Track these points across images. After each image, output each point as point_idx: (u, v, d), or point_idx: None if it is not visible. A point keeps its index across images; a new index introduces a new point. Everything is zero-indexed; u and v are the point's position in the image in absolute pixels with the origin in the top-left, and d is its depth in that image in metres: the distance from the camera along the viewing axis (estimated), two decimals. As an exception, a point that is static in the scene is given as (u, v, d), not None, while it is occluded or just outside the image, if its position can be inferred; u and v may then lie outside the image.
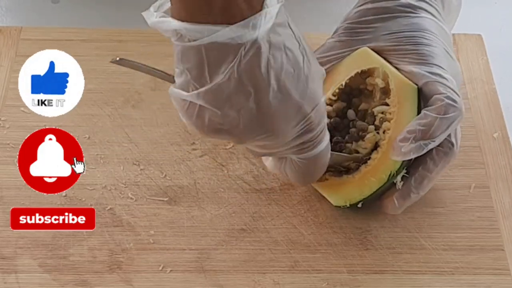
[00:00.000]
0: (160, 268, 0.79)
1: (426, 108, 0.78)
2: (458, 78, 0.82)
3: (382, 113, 0.81)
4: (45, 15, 1.03)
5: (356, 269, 0.80)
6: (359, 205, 0.81)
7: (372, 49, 0.82)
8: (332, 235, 0.82)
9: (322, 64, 0.81)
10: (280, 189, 0.85)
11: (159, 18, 0.70)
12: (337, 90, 0.83)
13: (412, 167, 0.80)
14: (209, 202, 0.84)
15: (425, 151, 0.78)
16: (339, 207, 0.82)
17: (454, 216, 0.84)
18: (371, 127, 0.82)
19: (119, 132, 0.89)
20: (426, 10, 0.83)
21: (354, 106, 0.83)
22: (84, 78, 0.93)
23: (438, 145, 0.79)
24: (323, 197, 0.84)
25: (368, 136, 0.81)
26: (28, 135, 0.88)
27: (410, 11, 0.83)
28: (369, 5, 0.84)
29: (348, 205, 0.81)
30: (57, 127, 0.89)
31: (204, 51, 0.69)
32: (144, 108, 0.91)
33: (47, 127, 0.89)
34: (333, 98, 0.83)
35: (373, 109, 0.82)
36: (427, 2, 0.83)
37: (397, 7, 0.83)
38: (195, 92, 0.71)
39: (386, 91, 0.82)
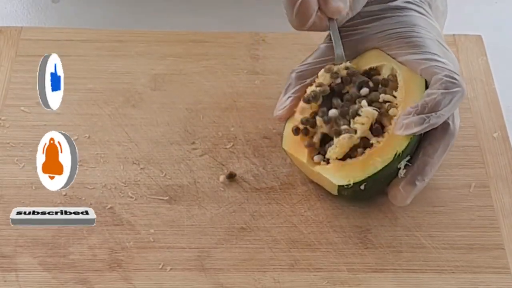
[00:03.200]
0: (160, 267, 0.80)
1: (427, 89, 0.80)
2: (454, 64, 0.83)
3: (389, 102, 0.83)
4: (45, 15, 1.04)
5: (356, 267, 0.80)
6: (362, 187, 0.81)
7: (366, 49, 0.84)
8: (332, 234, 0.82)
9: (317, 69, 0.84)
10: (280, 188, 0.86)
11: None
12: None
13: (414, 155, 0.81)
14: (209, 201, 0.84)
15: (427, 125, 0.79)
16: (342, 187, 0.81)
17: (454, 215, 0.84)
18: (364, 102, 0.82)
19: (119, 132, 0.90)
20: (413, 10, 0.85)
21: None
22: (84, 78, 0.95)
23: (435, 128, 0.80)
24: (323, 196, 0.85)
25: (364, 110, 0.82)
26: (28, 134, 0.89)
27: (398, 11, 0.85)
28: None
29: (351, 184, 0.80)
30: (57, 126, 0.90)
31: None
32: (144, 107, 0.92)
33: (46, 126, 0.90)
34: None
35: (380, 95, 0.83)
36: (414, 4, 0.86)
37: (386, 9, 0.85)
38: None
39: (394, 86, 0.83)
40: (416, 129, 0.79)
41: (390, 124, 0.81)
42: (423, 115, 0.79)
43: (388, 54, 0.84)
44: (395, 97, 0.83)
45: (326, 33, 0.85)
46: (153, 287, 0.78)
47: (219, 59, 0.97)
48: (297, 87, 0.85)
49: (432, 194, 0.84)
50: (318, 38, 0.97)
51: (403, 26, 0.84)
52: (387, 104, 0.82)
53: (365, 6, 0.85)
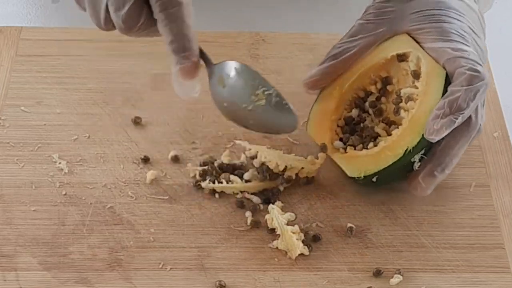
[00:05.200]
0: (160, 266, 0.80)
1: (451, 85, 0.80)
2: (483, 54, 0.83)
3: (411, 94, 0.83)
4: (45, 15, 1.04)
5: (356, 267, 0.80)
6: (374, 179, 0.82)
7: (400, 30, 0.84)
8: (332, 233, 0.83)
9: (352, 47, 0.84)
10: (281, 190, 0.86)
11: None
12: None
13: (433, 146, 0.81)
14: (209, 201, 0.85)
15: (457, 124, 0.79)
16: (354, 179, 0.83)
17: (455, 215, 0.84)
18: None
19: (119, 131, 0.90)
20: None
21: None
22: (84, 78, 0.95)
23: None
24: (323, 195, 0.85)
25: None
26: (28, 134, 0.89)
27: None
28: None
29: (362, 177, 0.82)
30: (57, 126, 0.90)
31: None
32: (144, 107, 0.92)
33: (46, 125, 0.90)
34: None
35: (401, 90, 0.84)
36: None
37: None
38: None
39: (417, 75, 0.83)
40: (447, 131, 0.79)
41: (407, 117, 0.82)
42: (451, 116, 0.79)
43: (416, 41, 0.84)
44: (417, 87, 0.83)
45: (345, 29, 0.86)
46: (153, 286, 0.78)
47: (219, 58, 0.96)
48: (329, 63, 0.85)
49: (432, 193, 0.83)
50: (316, 38, 0.98)
51: (437, 8, 0.83)
52: (406, 95, 0.83)
53: None
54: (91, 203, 0.84)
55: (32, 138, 0.89)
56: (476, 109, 0.81)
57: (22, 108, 0.91)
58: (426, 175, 0.81)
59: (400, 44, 0.84)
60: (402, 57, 0.85)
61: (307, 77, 0.86)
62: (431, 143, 0.81)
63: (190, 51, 0.77)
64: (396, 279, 0.79)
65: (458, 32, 0.82)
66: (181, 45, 0.77)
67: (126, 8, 0.76)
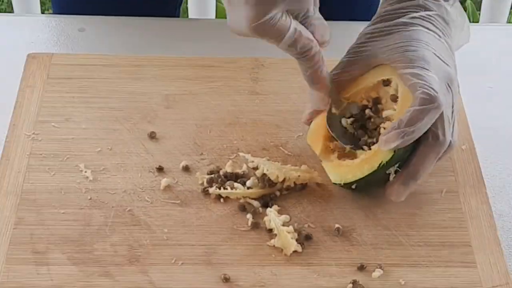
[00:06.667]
0: (173, 261, 0.80)
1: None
2: (447, 76, 0.82)
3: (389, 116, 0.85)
4: (72, 43, 1.04)
5: (343, 262, 0.81)
6: (353, 187, 0.83)
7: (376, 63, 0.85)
8: (322, 233, 0.83)
9: (340, 80, 0.86)
10: (278, 195, 0.86)
11: None
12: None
13: (408, 159, 0.81)
14: (215, 205, 0.85)
15: (406, 139, 0.79)
16: (339, 185, 0.85)
17: (428, 217, 0.84)
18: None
19: (137, 144, 0.90)
20: (420, 25, 0.85)
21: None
22: (107, 98, 0.95)
23: (426, 138, 0.80)
24: (314, 200, 0.86)
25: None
26: (58, 146, 0.89)
27: (403, 27, 0.85)
28: (370, 28, 0.86)
29: (342, 184, 0.84)
30: (83, 140, 0.91)
31: None
32: (158, 123, 0.92)
33: (74, 139, 0.91)
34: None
35: (383, 112, 0.85)
36: (422, 19, 0.85)
37: (393, 25, 0.85)
38: None
39: (394, 98, 0.84)
40: (394, 144, 0.80)
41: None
42: (399, 130, 0.79)
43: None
44: (395, 109, 0.84)
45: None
46: (166, 279, 0.79)
47: (224, 81, 0.97)
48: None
49: (409, 198, 0.84)
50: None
51: (404, 40, 0.83)
52: (386, 116, 0.84)
53: (375, 23, 0.86)
54: (112, 207, 0.84)
55: (61, 150, 0.89)
56: (443, 127, 0.81)
57: (53, 124, 0.91)
58: (400, 185, 0.82)
59: (384, 71, 0.85)
60: (386, 82, 0.86)
61: (303, 116, 0.88)
62: (406, 157, 0.82)
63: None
64: (377, 273, 0.80)
65: (418, 58, 0.81)
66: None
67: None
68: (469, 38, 0.91)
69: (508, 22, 1.80)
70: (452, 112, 0.82)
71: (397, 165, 0.82)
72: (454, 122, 0.83)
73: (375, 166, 0.82)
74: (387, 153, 0.82)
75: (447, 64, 0.84)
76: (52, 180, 0.87)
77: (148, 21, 1.08)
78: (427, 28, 0.85)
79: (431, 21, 0.86)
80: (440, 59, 0.84)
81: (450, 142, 0.82)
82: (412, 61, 0.82)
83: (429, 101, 0.80)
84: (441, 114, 0.80)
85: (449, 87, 0.82)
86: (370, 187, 0.85)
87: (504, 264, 0.81)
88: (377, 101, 0.87)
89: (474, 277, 0.80)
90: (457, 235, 0.84)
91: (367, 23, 0.88)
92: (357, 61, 0.86)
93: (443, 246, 0.82)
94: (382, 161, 0.82)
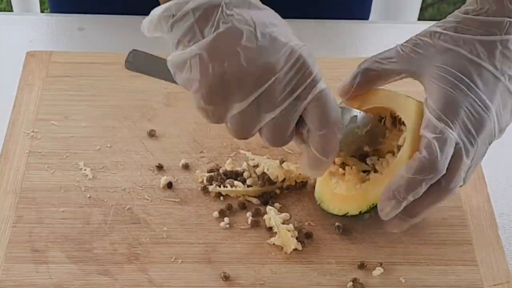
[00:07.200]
0: (173, 260, 0.80)
1: (405, 165, 0.75)
2: (490, 134, 0.75)
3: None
4: (72, 41, 1.04)
5: (343, 260, 0.81)
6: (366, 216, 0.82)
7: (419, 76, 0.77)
8: (322, 231, 0.83)
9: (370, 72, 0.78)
10: (278, 193, 0.86)
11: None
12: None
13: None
14: (215, 203, 0.85)
15: (404, 205, 0.75)
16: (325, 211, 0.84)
17: (429, 215, 0.83)
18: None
19: (136, 142, 0.90)
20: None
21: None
22: (106, 96, 0.95)
23: (436, 183, 0.75)
24: (314, 198, 0.85)
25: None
26: (57, 144, 0.89)
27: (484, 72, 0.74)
28: (442, 27, 0.76)
29: (332, 214, 0.82)
30: (82, 138, 0.91)
31: (192, 14, 0.70)
32: (158, 121, 0.92)
33: (73, 137, 0.91)
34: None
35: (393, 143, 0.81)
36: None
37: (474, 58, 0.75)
38: (195, 45, 0.70)
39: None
40: (395, 213, 0.76)
41: (379, 171, 0.80)
42: (399, 199, 0.75)
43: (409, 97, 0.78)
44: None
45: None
46: (166, 277, 0.79)
47: None
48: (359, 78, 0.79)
49: None
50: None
51: (458, 76, 0.73)
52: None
53: (454, 27, 0.75)
54: (112, 205, 0.84)
55: (61, 148, 0.89)
56: (447, 176, 0.74)
57: (52, 122, 0.92)
58: (399, 221, 0.77)
59: (404, 105, 0.78)
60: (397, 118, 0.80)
61: (340, 87, 0.80)
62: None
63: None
64: (378, 271, 0.80)
65: (453, 111, 0.73)
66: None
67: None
68: None
69: None
70: (477, 162, 0.76)
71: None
72: (472, 170, 0.77)
73: (364, 208, 0.79)
74: (378, 196, 0.77)
75: (489, 115, 0.74)
76: (51, 178, 0.87)
77: (148, 19, 1.08)
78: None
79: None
80: (484, 109, 0.74)
81: (454, 189, 0.76)
82: (443, 110, 0.73)
83: (427, 170, 0.73)
84: (459, 165, 0.74)
85: (489, 144, 0.77)
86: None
87: (505, 262, 0.81)
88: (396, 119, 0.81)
89: (475, 275, 0.80)
90: (458, 233, 0.84)
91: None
92: (401, 57, 0.77)
93: (444, 245, 0.83)
94: (372, 203, 0.78)
